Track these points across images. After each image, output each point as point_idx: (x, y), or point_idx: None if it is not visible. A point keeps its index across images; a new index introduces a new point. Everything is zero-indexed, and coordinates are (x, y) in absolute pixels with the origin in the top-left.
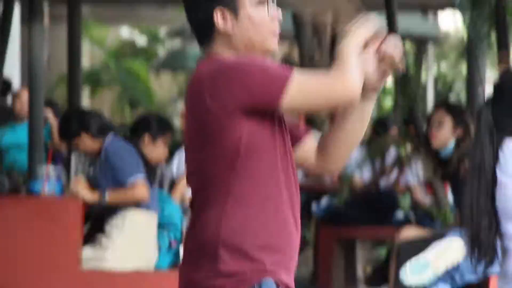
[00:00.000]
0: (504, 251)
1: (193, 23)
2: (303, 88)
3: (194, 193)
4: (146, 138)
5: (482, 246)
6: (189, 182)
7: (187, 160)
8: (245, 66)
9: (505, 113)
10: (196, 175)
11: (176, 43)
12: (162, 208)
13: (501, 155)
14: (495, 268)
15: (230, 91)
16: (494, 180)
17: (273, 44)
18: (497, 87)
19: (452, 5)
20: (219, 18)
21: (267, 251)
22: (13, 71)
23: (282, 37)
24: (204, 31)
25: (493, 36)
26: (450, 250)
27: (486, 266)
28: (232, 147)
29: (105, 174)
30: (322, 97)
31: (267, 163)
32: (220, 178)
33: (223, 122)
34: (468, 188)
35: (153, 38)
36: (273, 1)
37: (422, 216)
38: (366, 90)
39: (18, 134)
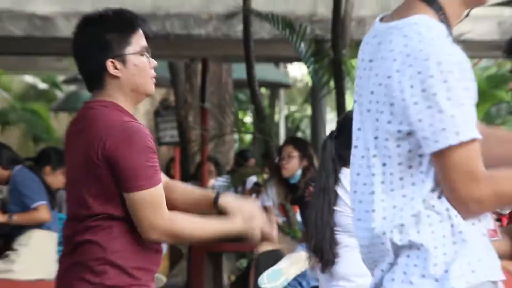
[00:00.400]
0: (336, 256)
1: (85, 72)
2: (151, 200)
3: (73, 219)
4: (47, 169)
5: (323, 253)
6: (70, 208)
7: (69, 189)
8: (137, 147)
9: (344, 147)
10: (78, 203)
11: (72, 87)
12: (61, 228)
13: (342, 178)
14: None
15: (120, 156)
16: (335, 199)
17: (152, 87)
18: (338, 126)
19: (298, 58)
20: (111, 67)
21: (143, 271)
22: None
23: (160, 83)
24: (96, 78)
25: (332, 84)
26: (299, 261)
27: (322, 269)
28: (118, 190)
29: (13, 199)
30: (147, 218)
31: None
32: (107, 211)
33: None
34: (314, 206)
35: (52, 84)
36: (149, 54)
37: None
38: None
39: None
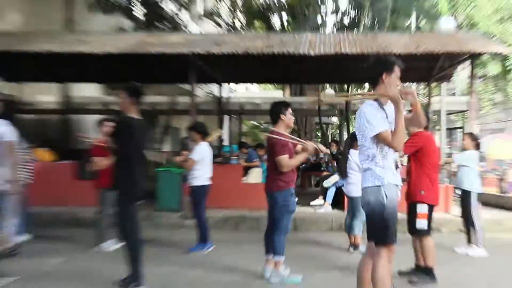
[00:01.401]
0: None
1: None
2: (285, 161)
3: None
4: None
5: (342, 174)
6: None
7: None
8: (281, 143)
9: (352, 140)
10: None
11: None
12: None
13: (351, 152)
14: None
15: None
16: (347, 159)
17: (292, 125)
18: (350, 136)
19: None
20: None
21: (291, 182)
22: None
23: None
24: (275, 117)
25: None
26: (335, 177)
27: (342, 178)
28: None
29: None
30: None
31: None
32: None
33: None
34: (340, 161)
35: None
36: (291, 113)
37: (329, 169)
38: None
39: None
